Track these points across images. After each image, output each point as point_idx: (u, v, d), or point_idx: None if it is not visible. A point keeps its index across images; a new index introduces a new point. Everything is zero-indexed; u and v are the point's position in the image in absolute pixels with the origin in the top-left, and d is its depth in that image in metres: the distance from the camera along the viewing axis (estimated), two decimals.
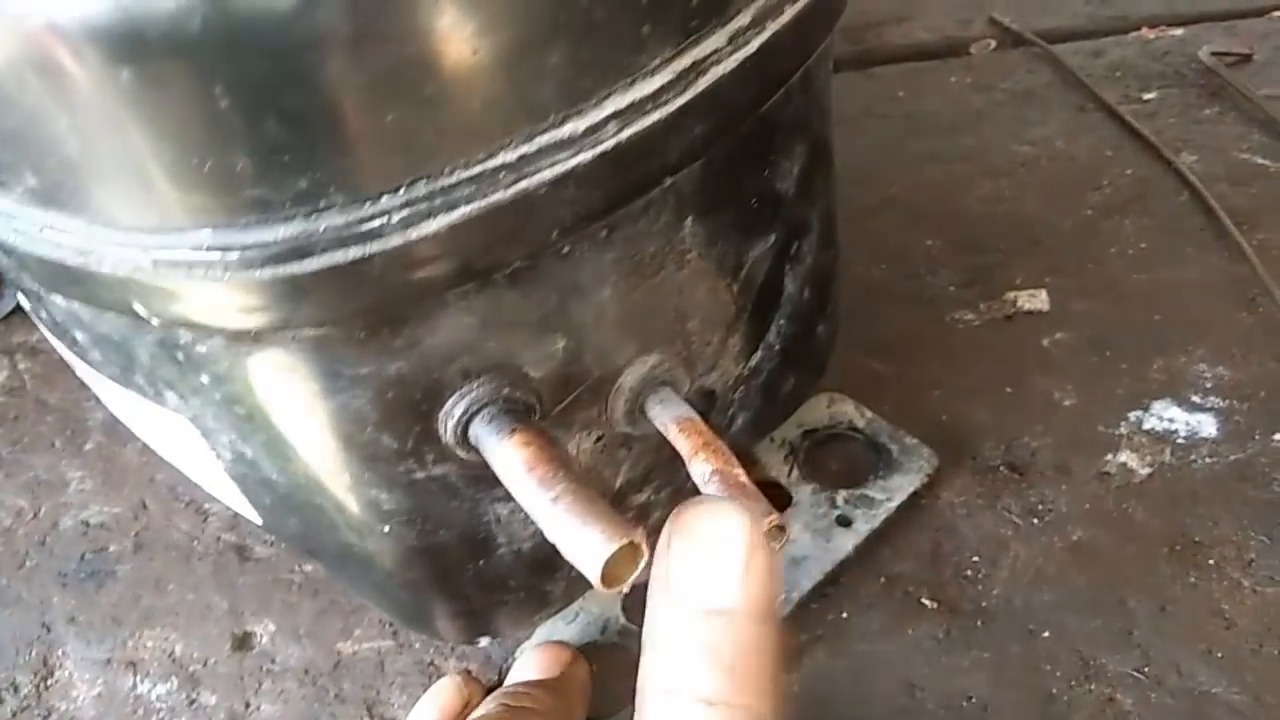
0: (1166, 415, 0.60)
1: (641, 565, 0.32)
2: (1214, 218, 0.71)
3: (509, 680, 0.49)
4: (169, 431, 0.41)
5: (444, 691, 0.48)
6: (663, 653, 0.30)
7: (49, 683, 0.55)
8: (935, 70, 0.94)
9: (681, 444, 0.38)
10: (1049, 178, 0.79)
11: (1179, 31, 0.94)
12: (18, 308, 0.78)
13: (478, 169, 0.30)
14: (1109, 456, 0.58)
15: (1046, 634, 0.50)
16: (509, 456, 0.34)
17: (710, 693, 0.29)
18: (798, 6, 0.36)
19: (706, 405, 0.46)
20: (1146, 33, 0.95)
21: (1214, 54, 0.88)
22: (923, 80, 0.93)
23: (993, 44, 0.96)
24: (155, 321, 0.32)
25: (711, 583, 0.30)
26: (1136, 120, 0.82)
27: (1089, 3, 1.01)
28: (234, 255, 0.29)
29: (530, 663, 0.49)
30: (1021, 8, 1.01)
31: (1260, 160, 0.77)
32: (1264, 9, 0.96)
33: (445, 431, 0.36)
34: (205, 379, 0.35)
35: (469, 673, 0.51)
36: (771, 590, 0.31)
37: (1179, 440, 0.58)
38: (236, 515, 0.61)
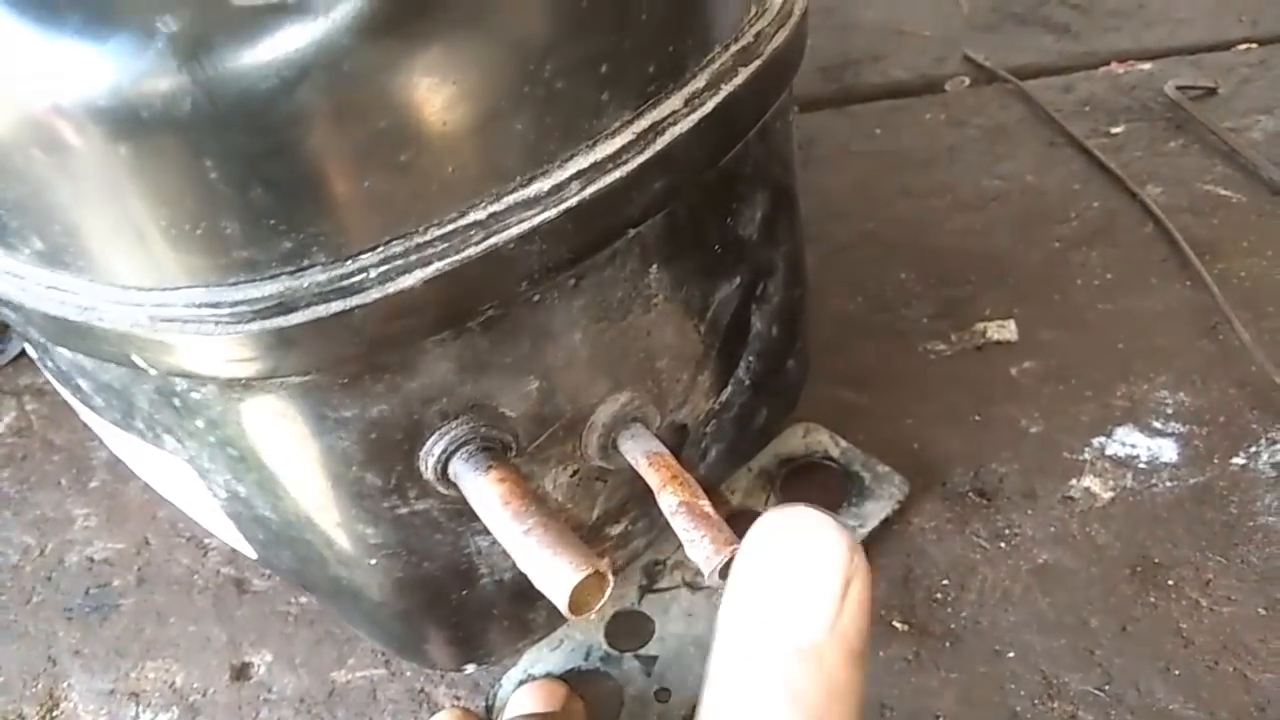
0: (1129, 441, 0.62)
1: (608, 594, 0.35)
2: (1177, 248, 0.74)
3: (508, 715, 0.51)
4: (168, 472, 0.43)
5: None
6: (733, 692, 0.25)
7: (55, 714, 0.57)
8: (911, 107, 0.97)
9: (650, 477, 0.41)
10: (1019, 211, 0.81)
11: (1147, 66, 0.97)
12: (24, 352, 0.81)
13: (450, 227, 0.33)
14: (1073, 481, 0.60)
15: (1012, 654, 0.52)
16: (485, 492, 0.37)
17: None
18: (751, 69, 0.39)
19: (679, 439, 0.48)
20: (1115, 67, 0.98)
21: (1179, 88, 0.91)
22: (899, 117, 0.95)
23: (967, 81, 0.99)
24: (153, 371, 0.35)
25: (802, 611, 0.25)
26: (1104, 154, 0.84)
27: (1060, 40, 1.04)
28: (225, 311, 0.32)
29: (528, 700, 0.51)
30: (994, 45, 1.04)
31: (1222, 191, 0.80)
32: (1229, 43, 0.99)
33: (426, 469, 0.38)
34: (200, 423, 0.38)
35: (468, 709, 0.52)
36: (869, 625, 0.26)
37: (1140, 465, 0.60)
38: (235, 550, 0.63)
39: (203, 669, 0.57)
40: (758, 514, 0.58)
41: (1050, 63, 1.00)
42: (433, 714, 0.53)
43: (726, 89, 0.38)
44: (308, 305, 0.32)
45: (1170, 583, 0.54)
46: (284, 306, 0.32)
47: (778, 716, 0.23)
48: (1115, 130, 0.89)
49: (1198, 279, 0.71)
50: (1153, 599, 0.54)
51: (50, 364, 0.43)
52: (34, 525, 0.68)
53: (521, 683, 0.53)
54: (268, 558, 0.47)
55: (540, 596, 0.47)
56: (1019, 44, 1.04)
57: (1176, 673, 0.50)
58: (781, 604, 0.25)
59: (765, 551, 0.25)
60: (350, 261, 0.32)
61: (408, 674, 0.56)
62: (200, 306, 0.32)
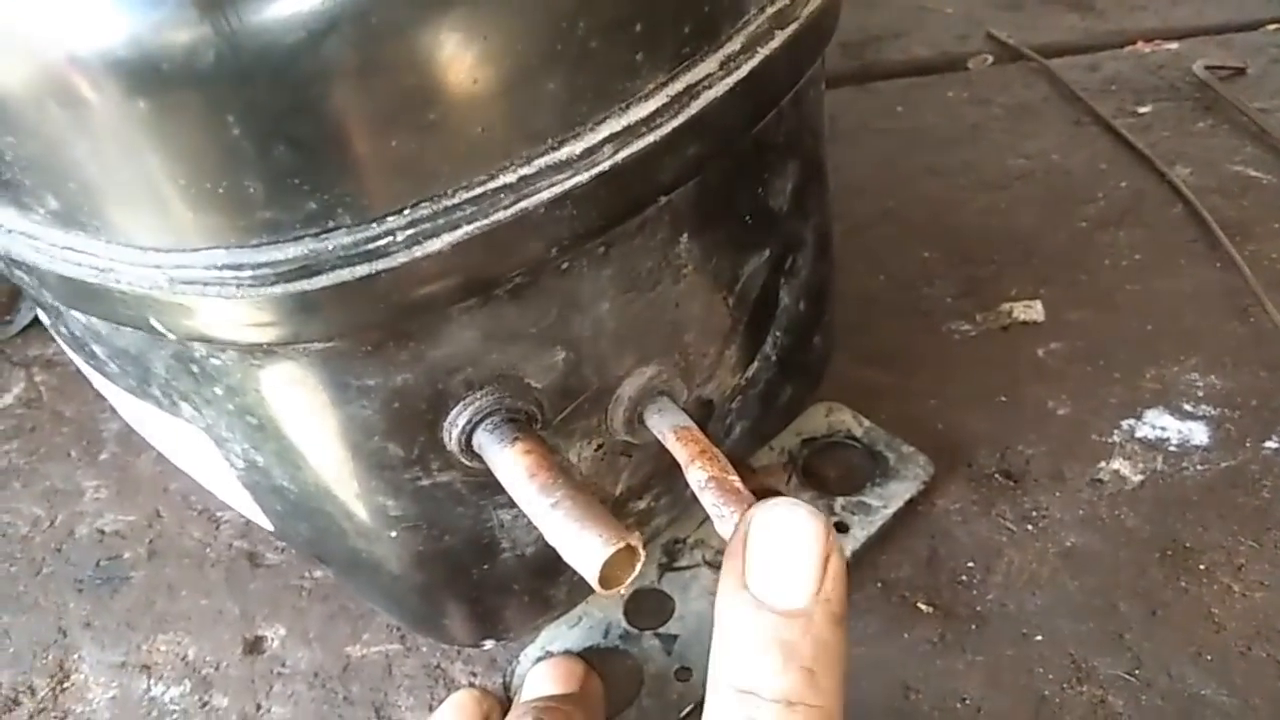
0: (1159, 424, 0.61)
1: (638, 568, 0.34)
2: (1207, 229, 0.72)
3: (526, 693, 0.50)
4: (184, 441, 0.42)
5: (464, 704, 0.49)
6: (738, 651, 0.30)
7: (65, 686, 0.56)
8: (933, 85, 0.95)
9: (678, 452, 0.40)
10: (1044, 190, 0.80)
11: (1174, 45, 0.95)
12: (34, 322, 0.80)
13: (479, 190, 0.32)
14: (1102, 464, 0.59)
15: (1039, 637, 0.51)
16: (511, 464, 0.36)
17: (789, 693, 0.28)
18: (788, 32, 0.37)
19: (704, 414, 0.47)
20: (1142, 47, 0.96)
21: (1208, 68, 0.89)
22: (921, 95, 0.94)
23: (990, 59, 0.98)
24: (171, 336, 0.34)
25: (791, 583, 0.30)
26: (1131, 134, 0.83)
27: (1085, 18, 1.03)
28: (247, 273, 0.31)
29: (546, 677, 0.50)
30: (1018, 23, 1.02)
31: (1253, 173, 0.78)
32: (1258, 23, 0.97)
33: (450, 440, 0.37)
34: (219, 390, 0.37)
35: (486, 689, 0.51)
36: (846, 593, 0.31)
37: (1171, 448, 0.59)
38: (248, 523, 0.62)
39: (215, 642, 0.57)
40: (779, 492, 0.57)
41: (1075, 41, 0.99)
42: (449, 690, 0.53)
43: (763, 52, 0.36)
44: (332, 269, 0.31)
45: (1201, 567, 0.53)
46: (308, 269, 0.31)
47: (775, 669, 0.28)
48: (1142, 110, 0.87)
49: (1228, 260, 0.70)
50: (1183, 583, 0.53)
51: (63, 330, 0.42)
52: (44, 497, 0.67)
53: (539, 660, 0.52)
54: (284, 530, 0.46)
55: (562, 572, 0.47)
56: (1043, 22, 1.03)
57: (1208, 658, 0.49)
58: (774, 575, 0.30)
59: (759, 533, 0.31)
60: (376, 224, 0.31)
61: (423, 649, 0.55)
62: (221, 268, 0.31)
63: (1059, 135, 0.86)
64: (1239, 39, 0.96)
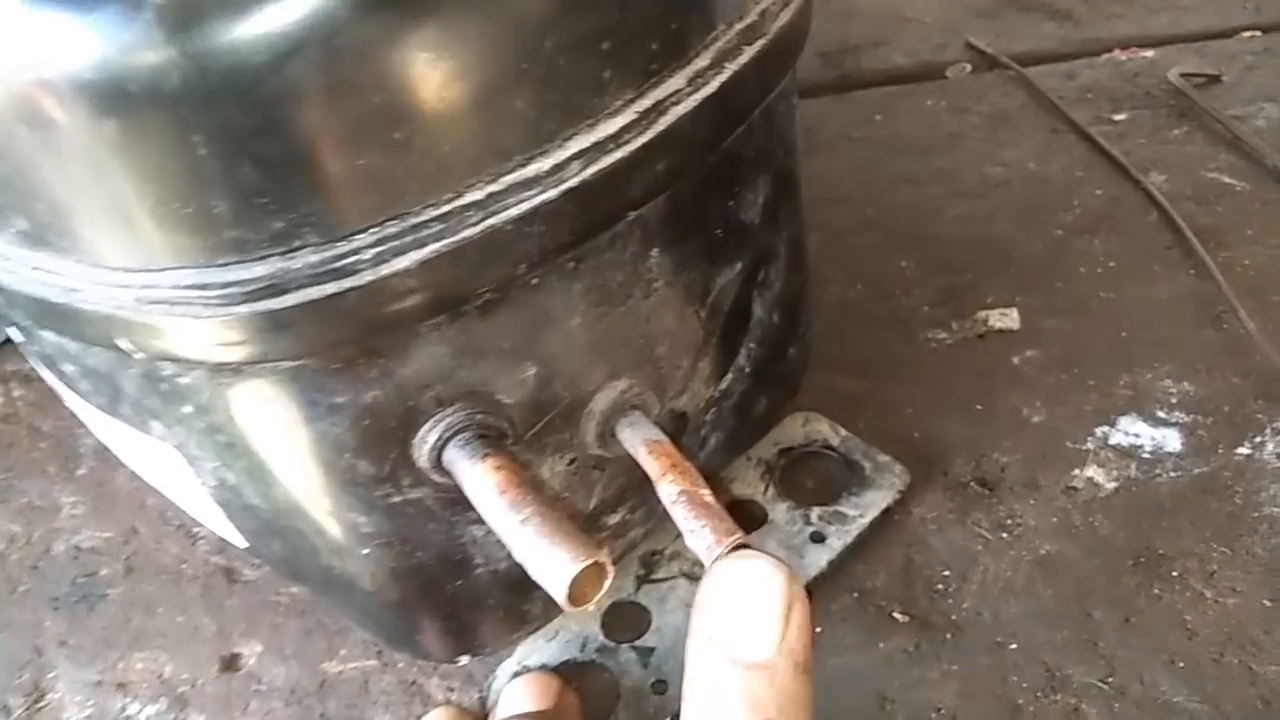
0: (1132, 430, 0.61)
1: (607, 585, 0.34)
2: (1181, 236, 0.73)
3: (501, 710, 0.50)
4: (155, 459, 0.42)
5: None
6: (704, 705, 0.31)
7: (40, 705, 0.56)
8: (911, 94, 0.96)
9: (650, 466, 0.40)
10: (1021, 199, 0.80)
11: (1150, 53, 0.96)
12: (9, 339, 0.80)
13: (447, 208, 0.32)
14: (1076, 471, 0.59)
15: (1014, 646, 0.52)
16: (481, 480, 0.36)
17: None
18: (756, 47, 0.38)
19: (679, 427, 0.47)
20: (1118, 54, 0.97)
21: (1183, 75, 0.90)
22: (899, 104, 0.94)
23: (968, 68, 0.98)
24: (139, 355, 0.34)
25: (754, 636, 0.31)
26: (1107, 141, 0.83)
27: (1062, 26, 1.03)
28: (214, 293, 0.31)
29: (521, 694, 0.50)
30: (997, 32, 1.03)
31: (1227, 179, 0.79)
32: (1233, 30, 0.98)
33: (420, 457, 0.37)
34: (188, 409, 0.37)
35: (462, 707, 0.51)
36: (810, 641, 0.32)
37: (1144, 455, 0.60)
38: (224, 539, 0.62)
39: (192, 660, 0.57)
40: (756, 504, 0.57)
41: (1052, 49, 1.00)
42: (425, 707, 0.53)
43: (731, 68, 0.37)
44: (299, 287, 0.31)
45: (1174, 574, 0.54)
46: (275, 288, 0.31)
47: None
48: (1118, 117, 0.88)
49: (1202, 267, 0.70)
50: (1156, 590, 0.53)
51: (35, 348, 0.42)
52: (20, 513, 0.67)
53: (515, 675, 0.52)
54: (258, 547, 0.46)
55: (537, 587, 0.46)
56: (1021, 30, 1.03)
57: (1181, 665, 0.50)
58: (736, 629, 0.31)
59: (720, 589, 0.32)
60: (343, 242, 0.31)
61: (400, 665, 0.55)
62: (189, 288, 0.31)
63: (1036, 143, 0.87)
64: (1214, 46, 0.97)
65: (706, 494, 0.38)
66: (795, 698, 0.30)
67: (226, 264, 0.31)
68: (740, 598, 0.32)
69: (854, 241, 0.78)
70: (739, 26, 0.37)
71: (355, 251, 0.31)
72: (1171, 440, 0.60)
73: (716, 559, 0.35)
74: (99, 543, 0.64)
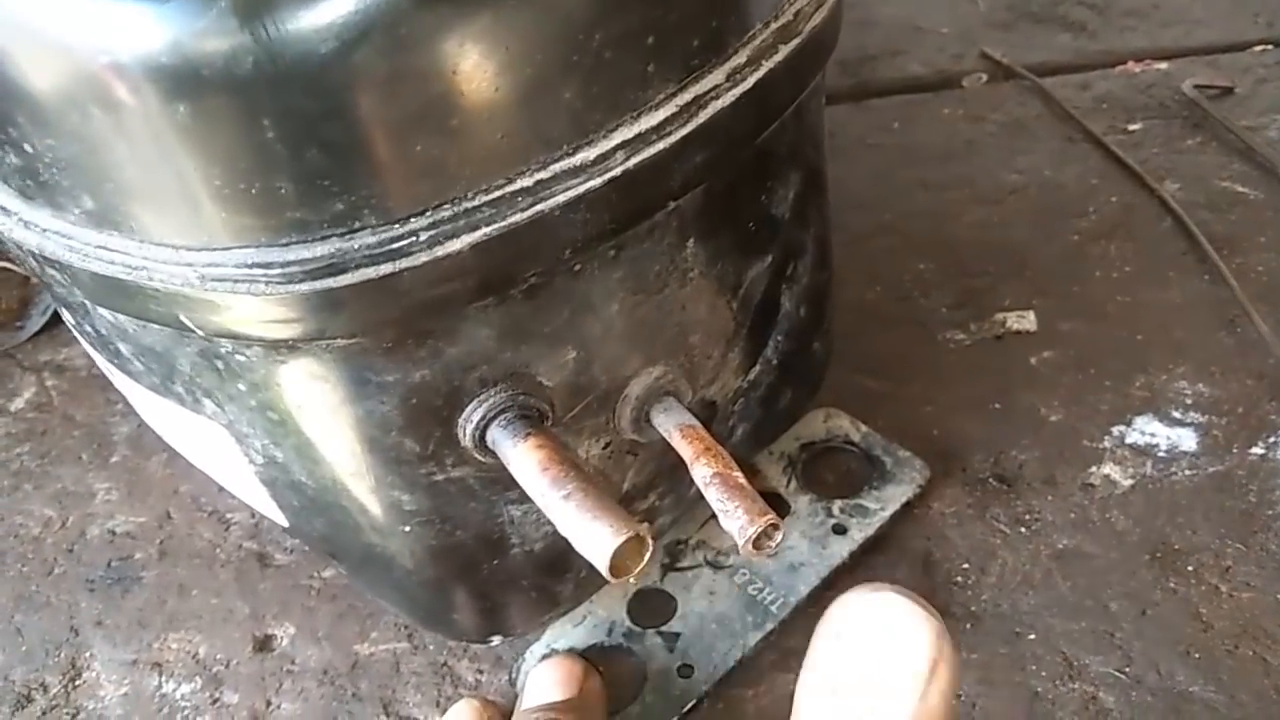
0: (1148, 430, 0.62)
1: (647, 557, 0.35)
2: (1195, 243, 0.74)
3: (527, 698, 0.51)
4: (204, 438, 0.44)
5: (466, 714, 0.50)
6: None
7: (77, 683, 0.57)
8: (928, 102, 0.97)
9: (684, 449, 0.41)
10: (1037, 205, 0.82)
11: (1164, 65, 0.98)
12: (44, 328, 0.81)
13: (497, 193, 0.33)
14: (1093, 469, 0.61)
15: (1032, 636, 0.53)
16: (524, 458, 0.37)
17: None
18: (791, 46, 0.39)
19: (708, 415, 0.48)
20: (1132, 67, 0.98)
21: (1197, 87, 0.91)
22: (916, 112, 0.96)
23: (984, 77, 0.99)
24: (200, 333, 0.35)
25: (888, 693, 0.26)
26: (1122, 150, 0.85)
27: (1077, 38, 1.05)
28: (275, 271, 0.32)
29: (547, 680, 0.51)
30: (1012, 43, 1.04)
31: (1240, 188, 0.80)
32: (1246, 44, 0.99)
33: (464, 436, 0.39)
34: (242, 386, 0.38)
35: (487, 699, 0.52)
36: (949, 707, 0.27)
37: (1160, 454, 0.61)
38: (257, 524, 0.64)
39: (225, 640, 0.58)
40: (779, 495, 0.58)
41: (1067, 61, 1.01)
42: (455, 687, 0.54)
43: (767, 65, 0.38)
44: (357, 267, 0.32)
45: (1189, 569, 0.55)
46: (334, 268, 0.32)
47: None
48: (1133, 127, 0.89)
49: (1216, 273, 0.71)
50: (1172, 584, 0.54)
51: (88, 328, 0.43)
52: (55, 499, 0.68)
53: (543, 658, 0.53)
54: (299, 525, 0.47)
55: (568, 568, 0.48)
56: (1036, 42, 1.05)
57: (1196, 656, 0.51)
58: (868, 681, 0.26)
59: (848, 629, 0.27)
60: (399, 225, 0.32)
61: (430, 647, 0.56)
62: (251, 266, 0.33)
63: (1051, 151, 0.88)
64: (1227, 59, 0.98)
65: (739, 476, 0.40)
66: None
67: (288, 243, 0.32)
68: (874, 645, 0.26)
69: (873, 245, 0.79)
70: (775, 26, 0.39)
71: (411, 234, 0.32)
72: (1187, 440, 0.61)
73: (852, 591, 0.30)
74: (133, 527, 0.65)
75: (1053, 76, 0.98)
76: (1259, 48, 0.99)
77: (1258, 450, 0.60)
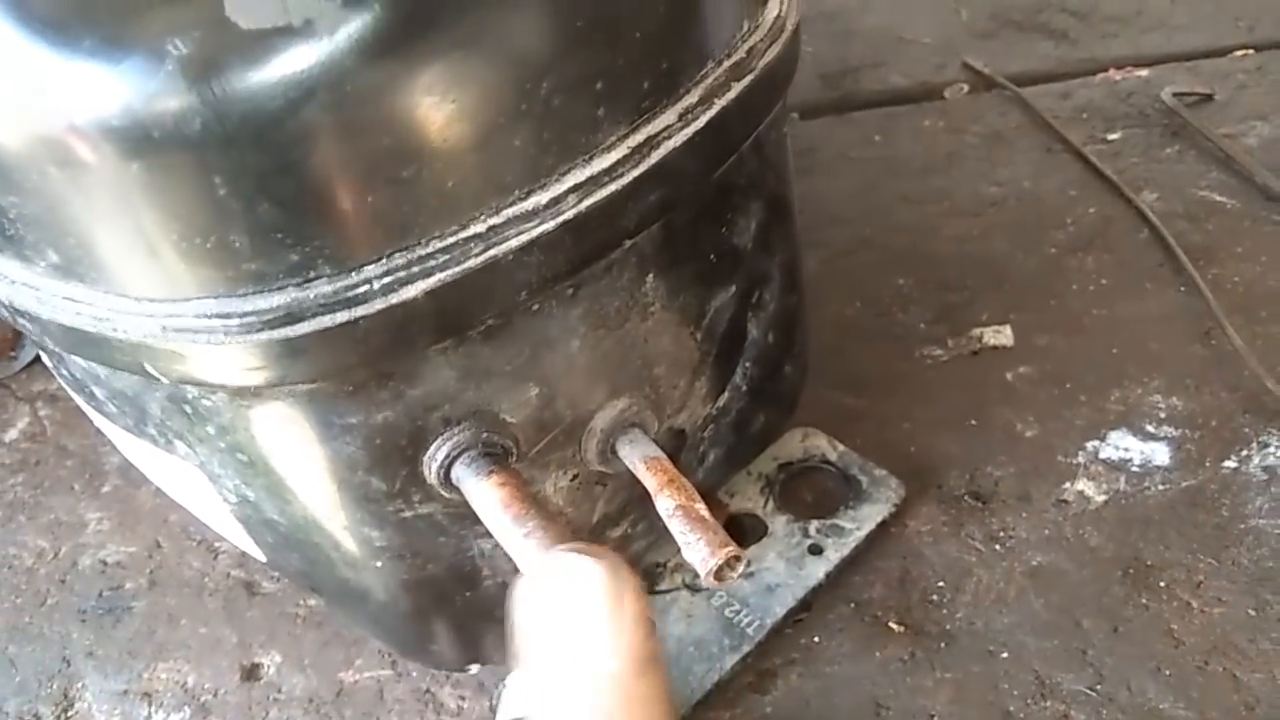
0: (1122, 445, 0.63)
1: None
2: (1172, 254, 0.75)
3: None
4: (179, 477, 0.45)
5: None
6: None
7: (69, 714, 0.58)
8: (910, 114, 0.98)
9: (648, 481, 0.42)
10: (1016, 217, 0.82)
11: (1144, 72, 0.98)
12: (37, 359, 0.82)
13: (451, 240, 0.34)
14: (1067, 485, 0.61)
15: (1005, 654, 0.53)
16: (486, 495, 0.38)
17: None
18: (744, 82, 0.40)
19: (677, 444, 0.49)
20: (1113, 74, 0.99)
21: (1176, 94, 0.91)
22: (898, 124, 0.96)
23: (965, 88, 1.00)
24: (165, 380, 0.36)
25: (587, 646, 0.29)
26: (1100, 160, 0.85)
27: (1059, 46, 1.05)
28: (235, 321, 0.33)
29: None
30: (994, 52, 1.05)
31: (1217, 197, 0.81)
32: (1226, 49, 1.00)
33: (429, 474, 0.39)
34: (211, 430, 0.39)
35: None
36: (649, 635, 0.30)
37: (1133, 468, 0.61)
38: (244, 553, 0.64)
39: (214, 669, 0.59)
40: (756, 517, 0.59)
41: (1049, 69, 1.01)
42: (439, 714, 0.55)
43: (720, 103, 0.39)
44: (314, 315, 0.33)
45: (1162, 584, 0.55)
46: (291, 316, 0.33)
47: None
48: (1112, 136, 0.90)
49: (1192, 284, 0.72)
50: (1144, 600, 0.55)
51: (65, 372, 0.44)
52: (48, 529, 0.69)
53: None
54: (276, 560, 0.48)
55: None
56: (1018, 51, 1.05)
57: (1167, 673, 0.51)
58: (566, 641, 0.29)
59: (538, 601, 0.30)
60: (354, 273, 0.33)
61: (414, 674, 0.57)
62: (211, 317, 0.33)
63: (1031, 162, 0.88)
64: (1208, 65, 0.99)
65: (702, 508, 0.40)
66: (646, 699, 0.29)
67: (246, 294, 0.33)
68: (560, 606, 0.29)
69: (852, 260, 0.80)
70: (727, 64, 0.39)
71: (365, 281, 0.33)
72: (1160, 454, 0.62)
73: (532, 561, 0.33)
74: (124, 557, 0.66)
75: (1034, 85, 0.98)
76: (1239, 53, 1.00)
77: (1230, 464, 0.60)
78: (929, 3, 1.16)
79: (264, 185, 0.31)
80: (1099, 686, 0.51)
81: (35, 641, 0.62)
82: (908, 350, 0.71)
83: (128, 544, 0.68)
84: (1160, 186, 0.83)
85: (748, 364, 0.51)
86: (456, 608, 0.47)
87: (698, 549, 0.39)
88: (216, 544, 0.66)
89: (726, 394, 0.50)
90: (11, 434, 0.77)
